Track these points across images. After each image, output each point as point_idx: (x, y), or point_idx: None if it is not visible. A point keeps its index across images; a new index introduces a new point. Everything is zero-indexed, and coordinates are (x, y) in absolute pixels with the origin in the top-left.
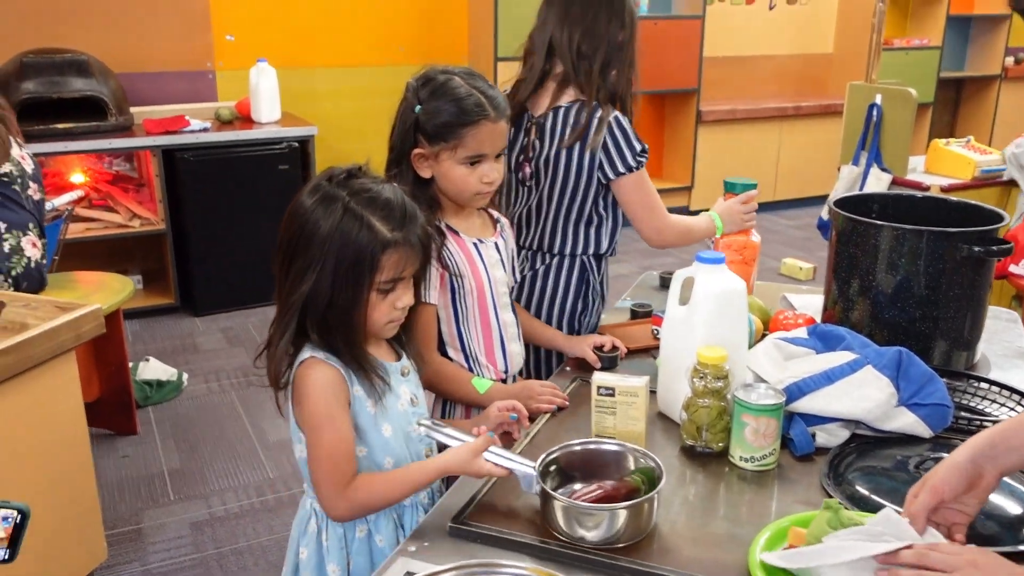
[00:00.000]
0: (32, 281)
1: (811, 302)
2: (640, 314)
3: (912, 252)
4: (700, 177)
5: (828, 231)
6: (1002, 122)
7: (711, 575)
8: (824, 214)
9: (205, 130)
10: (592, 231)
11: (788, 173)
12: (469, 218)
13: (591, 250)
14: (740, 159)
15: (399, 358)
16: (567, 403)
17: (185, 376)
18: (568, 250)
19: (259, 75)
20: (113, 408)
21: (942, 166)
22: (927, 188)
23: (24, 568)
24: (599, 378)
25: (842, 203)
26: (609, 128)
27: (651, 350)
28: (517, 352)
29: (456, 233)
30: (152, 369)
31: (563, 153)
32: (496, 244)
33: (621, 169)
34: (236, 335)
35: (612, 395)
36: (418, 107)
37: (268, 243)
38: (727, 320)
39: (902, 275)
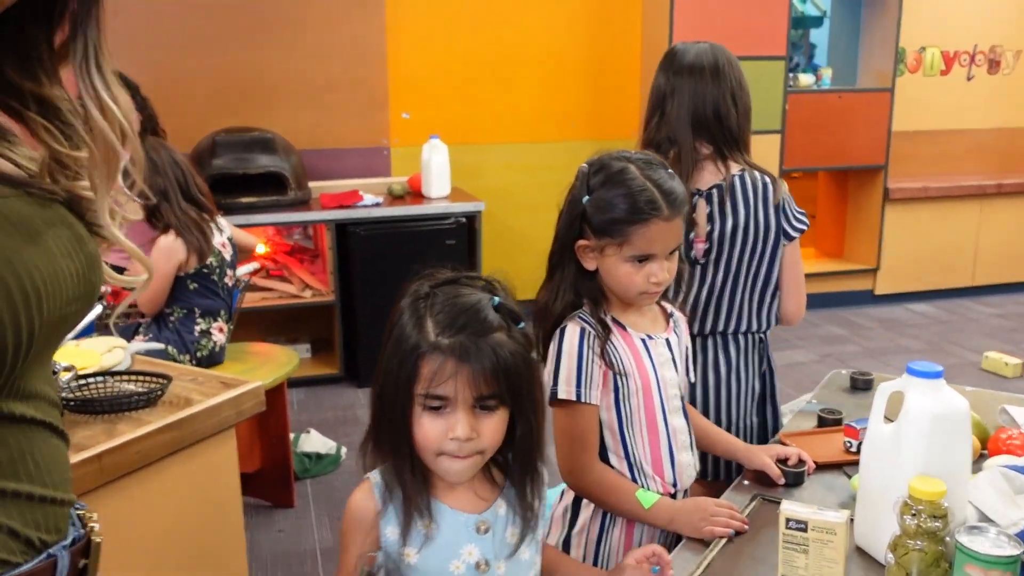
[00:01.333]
0: (213, 362)
1: None
2: (829, 421)
3: None
4: (887, 258)
5: None
6: None
7: None
8: None
9: (377, 205)
10: (776, 303)
11: (989, 256)
12: (638, 312)
13: (772, 324)
14: (934, 240)
15: (486, 508)
16: (746, 527)
17: (344, 450)
18: (755, 327)
19: (431, 151)
20: (272, 480)
21: None
22: None
23: None
24: (789, 509)
25: None
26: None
27: (843, 466)
28: (688, 463)
29: (623, 328)
30: (312, 441)
31: (750, 218)
32: (668, 341)
33: (800, 227)
34: None
35: (804, 530)
36: (587, 197)
37: None
38: (945, 447)
39: None
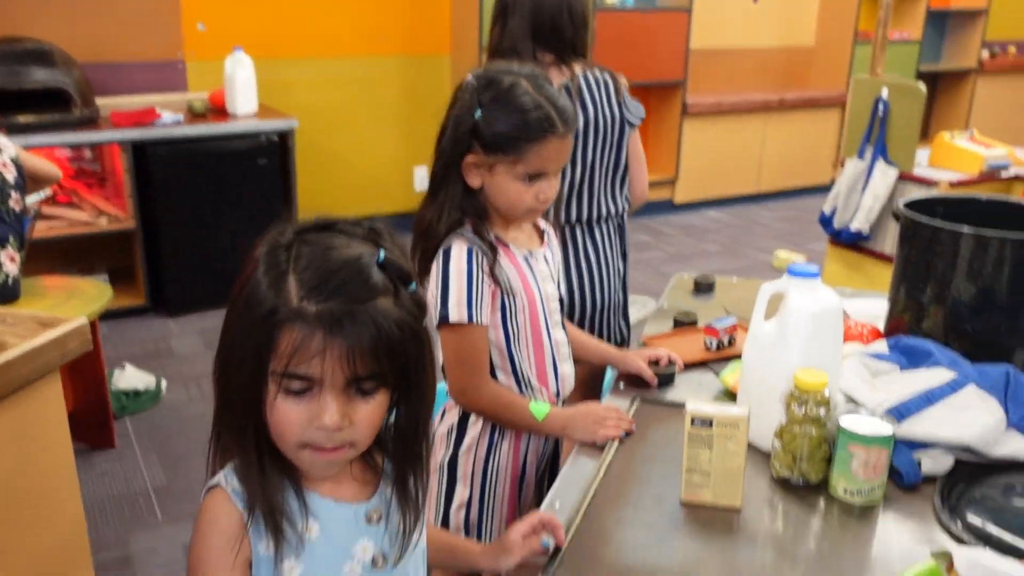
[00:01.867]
0: (7, 296)
1: (863, 307)
2: (686, 323)
3: (996, 259)
4: (685, 169)
5: (830, 225)
6: (978, 116)
7: None
8: (826, 208)
9: (178, 123)
10: (626, 187)
11: (772, 165)
12: (517, 228)
13: (626, 206)
14: (725, 151)
15: (373, 493)
16: (634, 427)
17: (164, 383)
18: (614, 211)
19: (235, 65)
20: (88, 421)
21: (948, 160)
22: (935, 183)
23: None
24: (694, 409)
25: (909, 206)
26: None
27: (708, 363)
28: (569, 373)
29: (506, 246)
30: (128, 378)
31: (599, 112)
32: (545, 256)
33: (640, 115)
34: (214, 338)
35: (709, 426)
36: (478, 112)
37: (246, 240)
38: (824, 341)
39: (985, 284)
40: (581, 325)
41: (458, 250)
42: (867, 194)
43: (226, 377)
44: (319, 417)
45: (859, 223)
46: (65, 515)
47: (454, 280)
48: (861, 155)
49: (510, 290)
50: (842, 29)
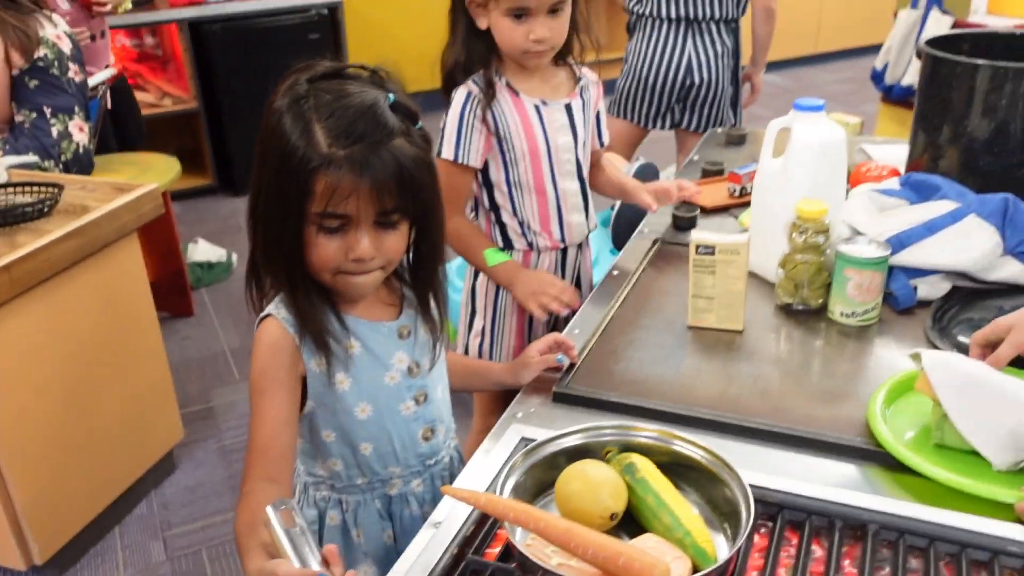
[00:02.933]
0: (82, 166)
1: (891, 152)
2: (713, 172)
3: (1012, 92)
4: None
5: (882, 81)
6: None
7: (830, 430)
8: (878, 63)
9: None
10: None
11: (831, 23)
12: (536, 76)
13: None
14: (782, 9)
15: (399, 313)
16: (577, 303)
17: (235, 256)
18: (732, 15)
19: None
20: (168, 291)
21: (1007, 6)
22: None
23: (107, 447)
24: (698, 237)
25: (931, 43)
26: None
27: (730, 208)
28: (578, 222)
29: (515, 93)
30: (202, 251)
31: None
32: (569, 106)
33: None
34: None
35: (712, 253)
36: None
37: None
38: (827, 172)
39: (1000, 118)
40: (706, 105)
41: (459, 93)
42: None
43: (267, 222)
44: (354, 249)
45: (911, 77)
46: (151, 363)
47: (450, 120)
48: (915, 4)
49: (507, 136)
50: None
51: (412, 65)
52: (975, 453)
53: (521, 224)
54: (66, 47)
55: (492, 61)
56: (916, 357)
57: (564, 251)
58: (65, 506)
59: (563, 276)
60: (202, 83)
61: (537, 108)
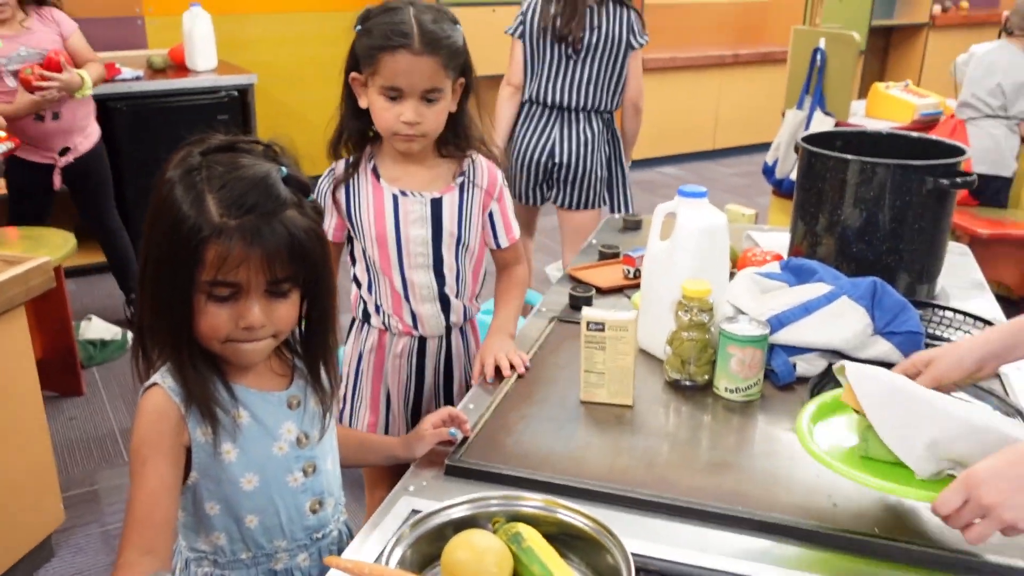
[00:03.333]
0: None
1: (776, 239)
2: (609, 255)
3: (879, 185)
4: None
5: (772, 175)
6: (930, 69)
7: (715, 500)
8: (769, 159)
9: (138, 78)
10: (621, 92)
11: (727, 121)
12: (413, 163)
13: (617, 105)
14: (681, 108)
15: (290, 383)
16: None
17: (129, 335)
18: (608, 107)
19: (193, 20)
20: (57, 369)
21: (882, 110)
22: None
23: None
24: (588, 313)
25: (807, 140)
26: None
27: (623, 289)
28: (429, 314)
29: (376, 176)
30: (95, 328)
31: (611, 32)
32: (439, 200)
33: (642, 41)
34: None
35: (602, 330)
36: (358, 27)
37: None
38: (710, 254)
39: (869, 209)
40: (571, 185)
41: (329, 168)
42: None
43: (156, 290)
44: (244, 317)
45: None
46: (33, 449)
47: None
48: (800, 105)
49: (357, 219)
50: None
51: (319, 146)
52: (900, 464)
53: (377, 304)
54: None
55: (367, 141)
56: (840, 370)
57: (423, 340)
58: None
59: (421, 365)
60: (108, 160)
61: (395, 197)
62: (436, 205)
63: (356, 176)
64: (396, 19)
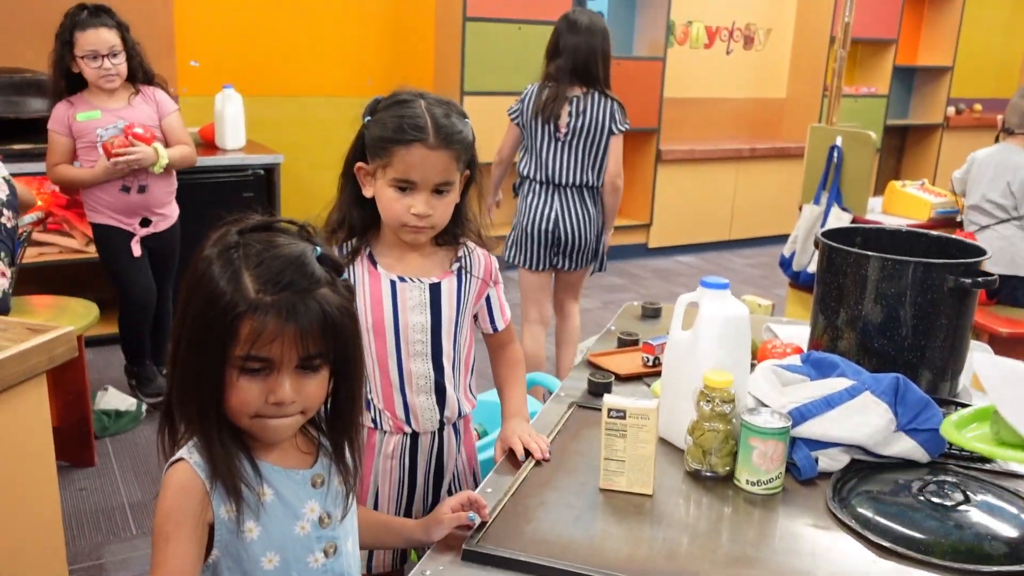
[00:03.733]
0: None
1: (795, 332)
2: (628, 342)
3: (902, 282)
4: (659, 215)
5: (790, 267)
6: (944, 169)
7: None
8: (786, 251)
9: None
10: (604, 171)
11: (744, 213)
12: (411, 252)
13: (601, 181)
14: (698, 199)
15: (314, 462)
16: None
17: (144, 407)
18: (593, 184)
19: (224, 101)
20: (71, 438)
21: (898, 207)
22: None
23: None
24: (610, 400)
25: (827, 235)
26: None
27: (643, 377)
28: (424, 406)
29: (373, 263)
30: (110, 399)
31: (595, 119)
32: (438, 285)
33: (622, 127)
34: None
35: (623, 417)
36: (367, 118)
37: None
38: (732, 345)
39: (891, 305)
40: (573, 253)
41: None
42: None
43: (188, 364)
44: (275, 392)
45: (815, 265)
46: (42, 514)
47: None
48: (817, 201)
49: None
50: (812, 82)
51: None
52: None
53: (368, 399)
54: (3, 194)
55: (368, 230)
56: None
57: (416, 437)
58: None
59: (413, 465)
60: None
61: (393, 283)
62: (435, 290)
63: (352, 264)
64: (409, 112)
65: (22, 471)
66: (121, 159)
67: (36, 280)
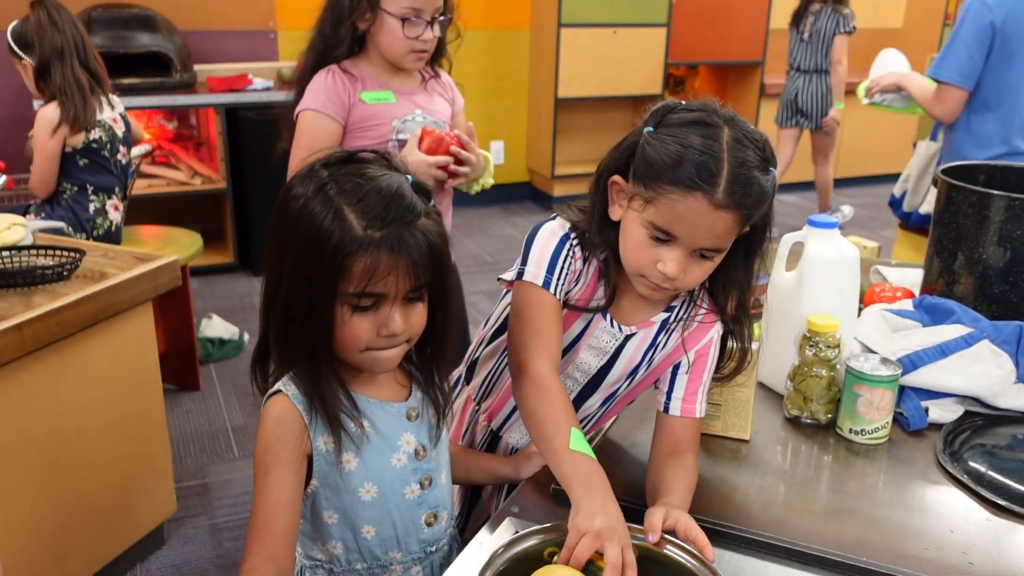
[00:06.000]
0: (110, 241)
1: (906, 276)
2: None
3: None
4: None
5: (900, 208)
6: None
7: (835, 547)
8: (896, 190)
9: (268, 89)
10: None
11: (849, 150)
12: (636, 299)
13: None
14: (803, 136)
15: (409, 395)
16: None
17: (247, 335)
18: None
19: None
20: (177, 363)
21: None
22: None
23: (96, 515)
24: None
25: (947, 172)
26: None
27: None
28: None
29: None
30: (214, 327)
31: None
32: (632, 336)
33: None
34: None
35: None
36: (647, 129)
37: None
38: (838, 288)
39: (1015, 248)
40: None
41: (554, 227)
42: None
43: (292, 304)
44: (387, 325)
45: (929, 206)
46: (152, 434)
47: (539, 247)
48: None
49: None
50: (932, 10)
51: None
52: None
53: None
54: (120, 130)
55: (609, 251)
56: None
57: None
58: (47, 573)
59: None
60: (232, 165)
61: (604, 330)
62: (626, 341)
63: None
64: (705, 145)
65: (131, 393)
66: (460, 172)
67: (144, 211)
